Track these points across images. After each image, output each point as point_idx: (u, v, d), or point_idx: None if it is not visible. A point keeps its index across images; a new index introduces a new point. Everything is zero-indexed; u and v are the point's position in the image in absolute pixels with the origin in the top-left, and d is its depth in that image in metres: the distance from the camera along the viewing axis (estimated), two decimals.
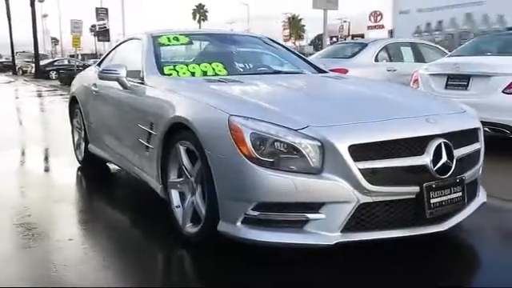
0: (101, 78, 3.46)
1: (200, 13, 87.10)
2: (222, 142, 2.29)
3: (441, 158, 2.28)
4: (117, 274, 2.41)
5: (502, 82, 4.76)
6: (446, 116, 2.53)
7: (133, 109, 3.30)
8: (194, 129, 2.46)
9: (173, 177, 2.84)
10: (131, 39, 4.15)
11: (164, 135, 2.79)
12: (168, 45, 3.71)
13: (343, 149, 2.14)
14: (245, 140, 2.20)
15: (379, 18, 48.55)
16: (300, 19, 76.95)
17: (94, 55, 51.91)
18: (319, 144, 2.16)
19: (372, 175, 2.16)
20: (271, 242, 2.24)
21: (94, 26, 43.25)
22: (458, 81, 5.19)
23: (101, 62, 4.70)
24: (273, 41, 4.37)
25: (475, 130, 2.60)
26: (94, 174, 4.54)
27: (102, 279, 2.33)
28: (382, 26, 47.66)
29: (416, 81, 5.76)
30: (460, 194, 2.36)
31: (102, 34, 28.55)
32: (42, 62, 30.01)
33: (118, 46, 4.48)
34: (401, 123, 2.34)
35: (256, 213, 2.21)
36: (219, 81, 3.08)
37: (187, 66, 3.42)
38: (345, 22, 50.22)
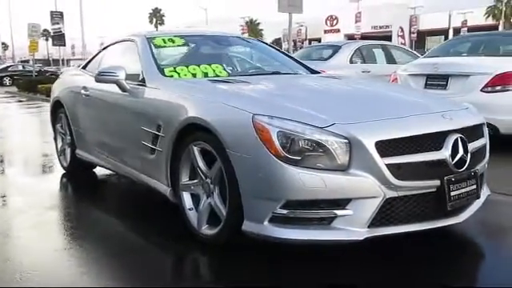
0: (98, 80, 3.37)
1: (156, 17, 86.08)
2: (247, 142, 2.29)
3: (458, 152, 2.36)
4: None
5: (480, 81, 4.97)
6: (457, 112, 2.63)
7: (134, 111, 3.23)
8: (214, 129, 2.44)
9: (185, 179, 2.80)
10: (122, 41, 4.06)
11: (175, 137, 2.75)
12: (164, 46, 3.66)
13: (370, 145, 2.18)
14: (272, 139, 2.21)
15: (335, 22, 49.77)
16: (258, 23, 77.48)
17: (47, 60, 50.28)
18: (346, 141, 2.20)
19: (397, 170, 2.22)
20: (299, 240, 2.25)
21: (45, 30, 41.90)
22: (437, 80, 5.38)
23: (86, 65, 4.58)
24: (263, 42, 4.40)
25: (481, 126, 2.71)
26: (81, 181, 4.41)
27: None
28: (337, 30, 48.90)
29: (395, 81, 5.93)
30: (474, 186, 2.46)
31: (58, 38, 27.65)
32: None
33: (105, 48, 4.37)
34: (420, 119, 2.41)
35: (284, 211, 2.22)
36: (225, 82, 3.06)
37: (187, 67, 3.39)
38: (302, 26, 51.02)
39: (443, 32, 53.12)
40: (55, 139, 4.85)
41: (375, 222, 2.24)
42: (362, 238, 2.21)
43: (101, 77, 3.35)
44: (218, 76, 3.37)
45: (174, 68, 3.36)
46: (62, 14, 27.99)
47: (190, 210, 2.78)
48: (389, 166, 2.20)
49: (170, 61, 3.64)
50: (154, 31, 3.92)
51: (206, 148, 2.56)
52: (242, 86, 2.93)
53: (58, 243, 2.85)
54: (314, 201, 2.21)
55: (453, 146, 2.35)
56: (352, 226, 2.22)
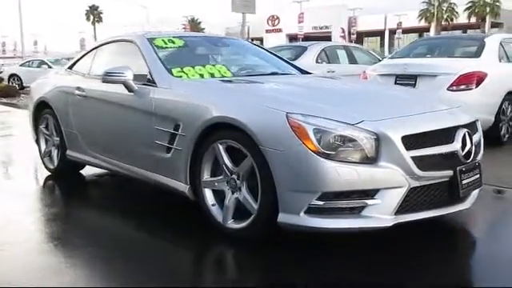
0: (105, 80, 3.38)
1: (94, 14, 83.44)
2: (283, 139, 2.44)
3: (466, 144, 2.64)
4: None
5: (447, 81, 5.39)
6: (456, 110, 2.92)
7: (144, 111, 3.27)
8: (246, 127, 2.56)
9: (206, 176, 2.90)
10: (117, 41, 4.07)
11: (198, 136, 2.84)
12: (166, 47, 3.72)
13: (397, 139, 2.40)
14: (309, 136, 2.38)
15: (277, 21, 50.51)
16: (199, 22, 77.15)
17: None
18: (375, 136, 2.40)
19: (420, 162, 2.46)
20: (332, 229, 2.44)
21: None
22: (406, 80, 5.75)
23: (73, 65, 4.52)
24: (254, 44, 4.55)
25: (476, 122, 3.02)
26: (67, 182, 4.37)
27: None
28: (279, 30, 49.68)
29: (365, 79, 6.27)
30: (478, 176, 2.75)
31: None
32: None
33: (95, 48, 4.34)
34: (434, 116, 2.67)
35: (321, 202, 2.39)
36: (235, 82, 3.19)
37: (194, 68, 3.48)
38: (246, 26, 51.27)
39: (379, 33, 55.55)
40: (37, 141, 4.73)
41: (400, 210, 2.47)
42: (390, 225, 2.43)
43: (108, 77, 3.36)
44: (223, 76, 3.48)
45: (182, 68, 3.43)
46: None
47: (212, 205, 2.88)
48: (413, 158, 2.43)
49: (174, 62, 3.70)
50: (150, 32, 3.95)
51: (234, 145, 2.68)
52: (260, 86, 3.07)
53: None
54: (348, 192, 2.40)
55: (462, 140, 2.62)
56: (380, 214, 2.43)
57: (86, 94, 3.92)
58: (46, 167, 4.61)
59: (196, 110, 2.90)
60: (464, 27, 52.60)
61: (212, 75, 3.46)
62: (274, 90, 3.00)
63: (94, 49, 4.38)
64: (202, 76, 3.43)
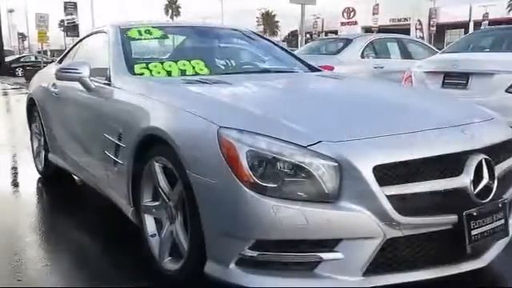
0: (59, 78, 2.91)
1: (172, 8, 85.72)
2: (210, 162, 1.80)
3: (482, 178, 1.84)
4: None
5: (506, 81, 4.40)
6: (481, 125, 2.09)
7: (97, 115, 2.76)
8: (173, 143, 1.95)
9: (147, 199, 2.33)
10: (97, 32, 3.60)
11: (135, 149, 2.27)
12: (139, 39, 3.18)
13: (367, 170, 1.67)
14: (240, 159, 1.72)
15: (352, 14, 48.81)
16: (274, 15, 76.63)
17: (64, 51, 50.27)
18: (335, 164, 1.69)
19: (402, 203, 1.71)
20: None
21: (62, 21, 41.86)
22: (456, 79, 4.81)
23: (62, 58, 4.13)
24: (257, 35, 3.89)
25: (509, 143, 2.17)
26: (56, 187, 3.98)
27: None
28: (355, 23, 47.93)
29: (409, 79, 5.37)
30: (502, 221, 1.93)
31: (71, 29, 27.50)
32: (7, 59, 28.70)
33: (81, 40, 3.92)
34: (434, 135, 1.88)
35: (254, 253, 1.73)
36: (201, 82, 2.57)
37: (162, 63, 2.91)
38: (318, 18, 50.07)
39: (463, 25, 51.76)
40: (31, 140, 4.44)
41: (373, 268, 1.74)
42: None
43: (62, 74, 2.88)
44: (197, 74, 2.88)
45: (146, 64, 2.88)
46: (75, 4, 27.80)
47: (151, 236, 2.31)
48: (390, 197, 1.69)
49: (144, 56, 3.16)
50: (133, 22, 3.44)
51: (168, 165, 2.09)
52: (218, 89, 2.44)
53: None
54: (292, 241, 1.71)
55: (475, 171, 1.82)
56: (342, 274, 1.72)
57: (58, 92, 3.49)
58: (37, 168, 4.28)
59: (134, 118, 2.33)
60: None
61: (183, 72, 2.87)
62: (232, 95, 2.35)
63: (80, 41, 3.96)
64: (169, 73, 2.85)
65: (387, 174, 1.70)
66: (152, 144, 2.18)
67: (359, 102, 2.30)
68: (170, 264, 2.16)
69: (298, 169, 1.70)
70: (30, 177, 4.19)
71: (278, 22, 76.62)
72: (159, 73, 2.84)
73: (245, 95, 2.38)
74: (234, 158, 1.73)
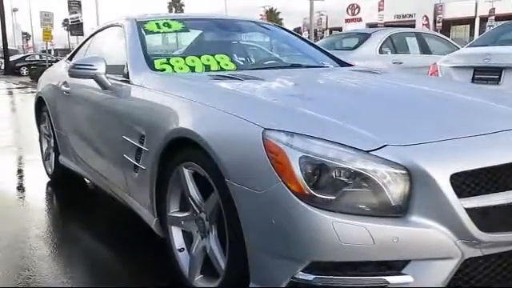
0: (72, 75, 2.66)
1: (176, 6, 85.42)
2: (255, 170, 1.55)
3: None
4: None
5: None
6: None
7: (115, 115, 2.52)
8: (208, 148, 1.70)
9: (173, 209, 2.09)
10: (110, 26, 3.35)
11: (161, 153, 2.03)
12: (158, 32, 2.94)
13: (443, 179, 1.42)
14: (291, 167, 1.46)
15: (357, 10, 48.39)
16: (278, 12, 76.27)
17: (68, 50, 50.34)
18: (404, 172, 1.44)
19: (482, 217, 1.45)
20: None
21: (66, 19, 41.72)
22: (487, 74, 4.55)
23: (72, 55, 3.89)
24: (281, 28, 3.63)
25: None
26: (67, 191, 3.75)
27: None
28: (359, 19, 47.52)
29: (435, 73, 5.10)
30: None
31: (76, 27, 27.31)
32: (12, 58, 28.56)
33: (93, 35, 3.67)
34: None
35: (309, 276, 1.48)
36: (230, 77, 2.32)
37: (184, 58, 2.66)
38: (322, 15, 49.64)
39: (469, 21, 51.15)
40: (40, 141, 4.21)
41: None
42: None
43: (76, 70, 2.64)
44: (222, 69, 2.63)
45: (168, 59, 2.63)
46: (79, 2, 27.57)
47: (180, 250, 2.07)
48: (470, 210, 1.44)
49: (163, 50, 2.91)
50: (150, 14, 3.19)
51: (200, 172, 1.84)
52: (252, 85, 2.18)
53: None
54: (354, 263, 1.46)
55: None
56: None
57: (70, 90, 3.25)
58: (46, 171, 4.05)
59: (160, 118, 2.09)
60: None
61: (207, 68, 2.63)
62: (269, 92, 2.09)
63: (90, 36, 3.71)
64: (192, 69, 2.60)
65: (467, 183, 1.44)
66: (181, 148, 1.93)
67: (416, 100, 2.03)
68: (201, 282, 1.92)
69: (359, 178, 1.45)
70: (39, 180, 3.97)
71: (281, 19, 76.25)
72: (181, 68, 2.59)
73: (285, 92, 2.11)
74: (283, 165, 1.48)
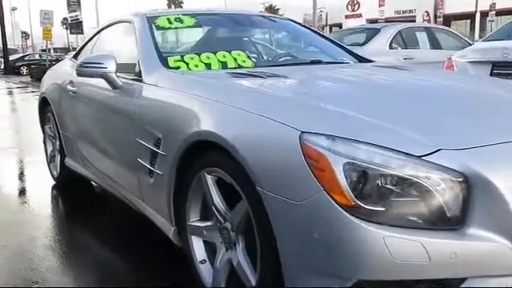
0: (80, 73, 2.51)
1: (175, 3, 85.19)
2: (291, 178, 1.40)
3: None
4: None
5: None
6: None
7: (127, 117, 2.36)
8: (236, 153, 1.55)
9: (194, 218, 1.94)
10: (117, 23, 3.19)
11: (180, 158, 1.88)
12: (169, 28, 2.78)
13: (506, 186, 1.27)
14: (335, 175, 1.31)
15: (357, 6, 48.15)
16: (277, 9, 76.02)
17: (67, 49, 50.19)
18: (460, 178, 1.29)
19: None
20: None
21: (65, 18, 41.53)
22: (506, 69, 4.40)
23: (78, 53, 3.74)
24: (295, 22, 3.47)
25: None
26: (74, 195, 3.60)
27: None
28: (359, 15, 47.28)
29: (450, 68, 4.95)
30: None
31: (75, 26, 27.17)
32: (11, 57, 28.38)
33: (99, 32, 3.51)
34: None
35: None
36: (252, 75, 2.17)
37: (199, 55, 2.50)
38: (322, 11, 49.39)
39: (469, 16, 50.88)
40: (44, 143, 4.06)
41: None
42: None
43: (84, 69, 2.49)
44: (240, 66, 2.48)
45: (182, 57, 2.48)
46: (79, 1, 27.37)
47: (201, 262, 1.92)
48: None
49: (176, 47, 2.76)
50: (160, 9, 3.04)
51: (226, 179, 1.69)
52: (277, 83, 2.03)
53: None
54: (403, 282, 1.31)
55: None
56: None
57: (77, 90, 3.10)
58: (51, 174, 3.90)
59: (179, 120, 1.93)
60: None
61: (224, 65, 2.47)
62: (297, 91, 1.93)
63: (96, 33, 3.55)
64: (208, 66, 2.45)
65: None
66: (203, 152, 1.78)
67: (457, 98, 1.87)
68: None
69: (410, 186, 1.30)
70: (44, 183, 3.82)
71: (282, 15, 76.14)
72: (197, 66, 2.44)
73: (314, 91, 1.95)
74: (326, 172, 1.33)
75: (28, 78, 20.43)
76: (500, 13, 46.84)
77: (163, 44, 2.69)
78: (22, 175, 4.42)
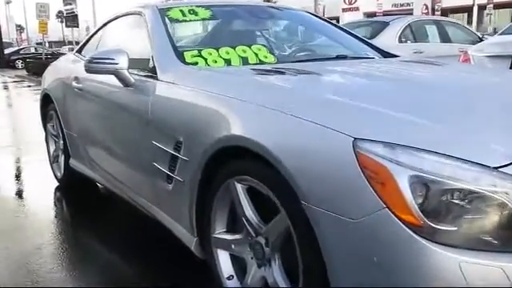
0: (89, 70, 2.32)
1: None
2: (344, 191, 1.22)
3: None
4: None
5: None
6: None
7: (141, 117, 2.18)
8: (275, 160, 1.37)
9: (220, 229, 1.77)
10: (125, 15, 3.00)
11: (205, 164, 1.70)
12: (184, 20, 2.59)
13: None
14: (399, 190, 1.14)
15: (354, 0, 47.85)
16: (275, 1, 75.77)
17: (62, 42, 49.77)
18: None
19: None
20: None
21: (60, 12, 41.08)
22: None
23: (82, 47, 3.54)
24: (314, 15, 3.29)
25: None
26: (80, 198, 3.42)
27: None
28: (356, 8, 47.00)
29: (466, 62, 4.78)
30: None
31: (70, 19, 26.87)
32: (6, 51, 28.04)
33: (105, 25, 3.31)
34: None
35: None
36: (279, 72, 1.98)
37: (217, 50, 2.32)
38: (319, 5, 49.14)
39: (467, 9, 50.66)
40: (47, 141, 3.87)
41: None
42: None
43: (93, 65, 2.30)
44: (262, 62, 2.30)
45: (199, 51, 2.29)
46: None
47: (228, 278, 1.75)
48: None
49: (193, 41, 2.58)
50: (170, 1, 2.85)
51: (260, 189, 1.51)
52: (310, 81, 1.85)
53: None
54: None
55: None
56: None
57: (83, 87, 2.91)
58: (54, 175, 3.72)
59: (203, 122, 1.75)
60: None
61: (245, 60, 2.29)
62: (337, 89, 1.74)
63: (102, 27, 3.35)
64: (228, 62, 2.26)
65: None
66: (233, 159, 1.61)
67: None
68: None
69: (485, 202, 1.13)
70: (47, 185, 3.63)
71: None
72: (216, 62, 2.25)
73: (356, 90, 1.74)
74: (388, 186, 1.15)
75: (24, 72, 20.14)
76: (498, 6, 46.70)
77: (179, 37, 2.50)
78: (22, 176, 4.23)
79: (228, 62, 2.26)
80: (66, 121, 3.25)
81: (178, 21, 2.58)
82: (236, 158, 1.59)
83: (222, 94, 1.74)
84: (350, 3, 48.33)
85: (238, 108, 1.63)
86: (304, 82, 1.82)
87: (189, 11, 2.62)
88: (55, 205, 3.34)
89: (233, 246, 1.72)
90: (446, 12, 49.35)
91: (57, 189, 3.60)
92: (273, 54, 2.39)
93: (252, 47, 2.38)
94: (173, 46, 2.29)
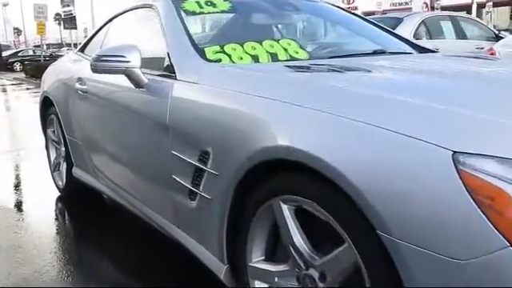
0: (97, 69, 2.03)
1: None
2: (442, 221, 0.93)
3: None
4: None
5: None
6: None
7: (157, 122, 1.89)
8: (341, 180, 1.08)
9: (257, 257, 1.48)
10: (134, 9, 2.71)
11: (241, 179, 1.41)
12: (201, 13, 2.31)
13: None
14: None
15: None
16: None
17: (60, 44, 49.51)
18: None
19: None
20: None
21: (58, 14, 40.79)
22: None
23: (85, 46, 3.25)
24: (341, 8, 3.00)
25: None
26: (83, 209, 3.13)
27: None
28: (355, 8, 46.84)
29: None
30: None
31: (68, 21, 26.67)
32: (4, 53, 27.77)
33: (110, 20, 3.02)
34: None
35: None
36: (322, 70, 1.69)
37: (242, 45, 2.03)
38: None
39: (466, 7, 50.49)
40: (47, 148, 3.58)
41: None
42: None
43: (101, 63, 2.01)
44: (293, 58, 2.01)
45: (222, 47, 2.00)
46: None
47: None
48: None
49: (212, 36, 2.29)
50: None
51: (315, 213, 1.22)
52: (363, 79, 1.55)
53: None
54: None
55: None
56: None
57: (87, 89, 2.62)
58: (56, 185, 3.42)
59: (236, 130, 1.46)
60: None
61: (274, 57, 2.00)
62: (403, 89, 1.43)
63: (107, 22, 3.06)
64: (255, 58, 1.97)
65: None
66: (278, 173, 1.32)
67: None
68: None
69: None
70: (47, 195, 3.34)
71: None
72: (241, 58, 1.96)
73: (425, 90, 1.41)
74: (507, 216, 0.86)
75: (22, 75, 19.84)
76: (497, 4, 46.55)
77: (197, 32, 2.21)
78: (21, 185, 3.94)
79: (255, 58, 1.98)
80: (68, 126, 2.96)
81: (194, 13, 2.29)
82: (283, 173, 1.30)
83: (261, 96, 1.45)
84: (349, 2, 48.16)
85: (283, 113, 1.34)
86: (358, 80, 1.52)
87: (206, 2, 2.34)
88: (57, 218, 3.05)
89: (276, 279, 1.42)
90: (444, 10, 49.22)
91: (58, 199, 3.31)
92: (304, 49, 2.10)
93: (280, 42, 2.09)
94: (192, 42, 2.00)
